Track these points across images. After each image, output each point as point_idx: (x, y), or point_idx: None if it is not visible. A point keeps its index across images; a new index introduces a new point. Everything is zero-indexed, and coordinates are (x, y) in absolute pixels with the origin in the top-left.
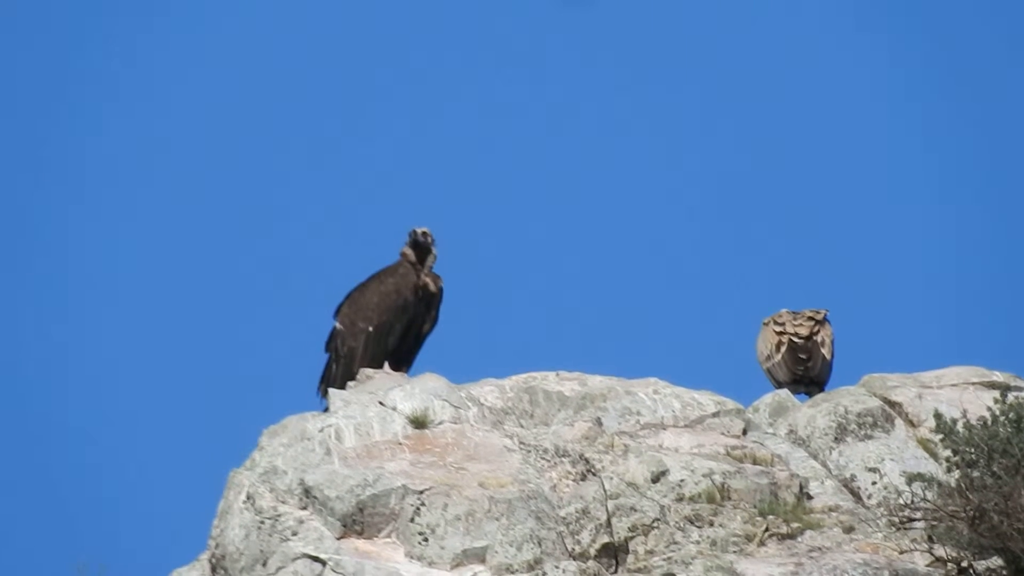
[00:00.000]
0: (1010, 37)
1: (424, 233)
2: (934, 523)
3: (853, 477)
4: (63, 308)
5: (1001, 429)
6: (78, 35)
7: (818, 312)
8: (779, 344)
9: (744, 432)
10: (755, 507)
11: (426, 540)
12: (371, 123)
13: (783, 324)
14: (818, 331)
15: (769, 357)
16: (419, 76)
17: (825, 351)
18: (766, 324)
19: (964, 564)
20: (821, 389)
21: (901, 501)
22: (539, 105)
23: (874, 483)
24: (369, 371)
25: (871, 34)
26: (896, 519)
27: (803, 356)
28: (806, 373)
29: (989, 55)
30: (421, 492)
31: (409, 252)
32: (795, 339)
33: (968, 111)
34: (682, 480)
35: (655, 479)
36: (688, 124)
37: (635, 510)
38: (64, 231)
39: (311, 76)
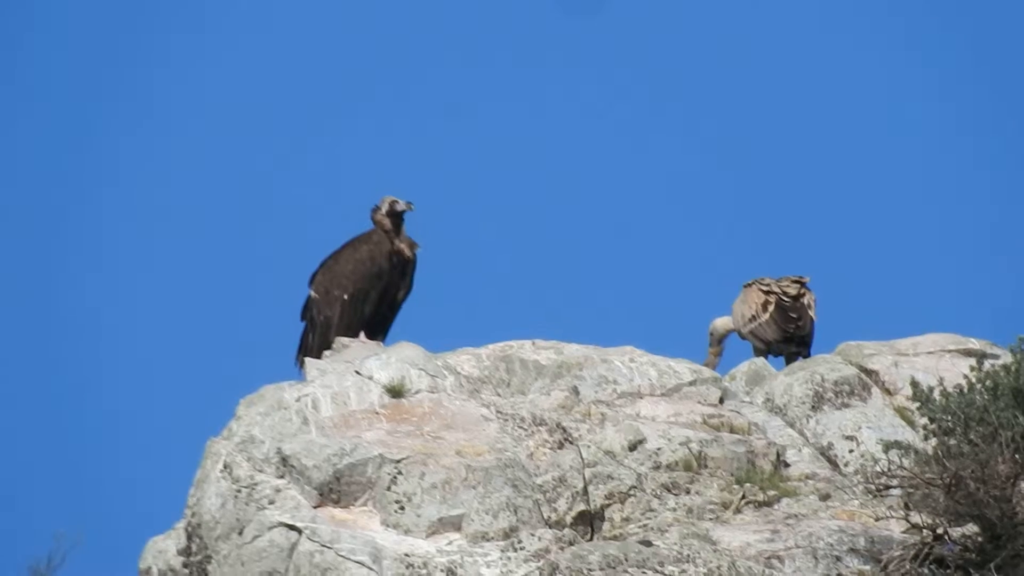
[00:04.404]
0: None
1: (408, 204)
2: (910, 490)
3: (830, 445)
4: (49, 279)
5: (978, 397)
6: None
7: (802, 277)
8: (766, 304)
9: (721, 400)
10: (732, 475)
11: (402, 508)
12: (356, 110)
13: (769, 284)
14: (804, 293)
15: (754, 318)
16: (419, 77)
17: (812, 313)
18: (748, 286)
19: (940, 531)
20: (808, 350)
21: (878, 469)
22: (538, 105)
23: (851, 451)
24: (345, 340)
25: (856, 21)
26: (873, 486)
27: (793, 315)
28: (796, 332)
29: (972, 32)
30: (398, 461)
31: (384, 220)
32: (784, 298)
33: (941, 78)
34: (659, 448)
35: (632, 447)
36: (671, 101)
37: (612, 478)
38: (42, 204)
39: (311, 72)
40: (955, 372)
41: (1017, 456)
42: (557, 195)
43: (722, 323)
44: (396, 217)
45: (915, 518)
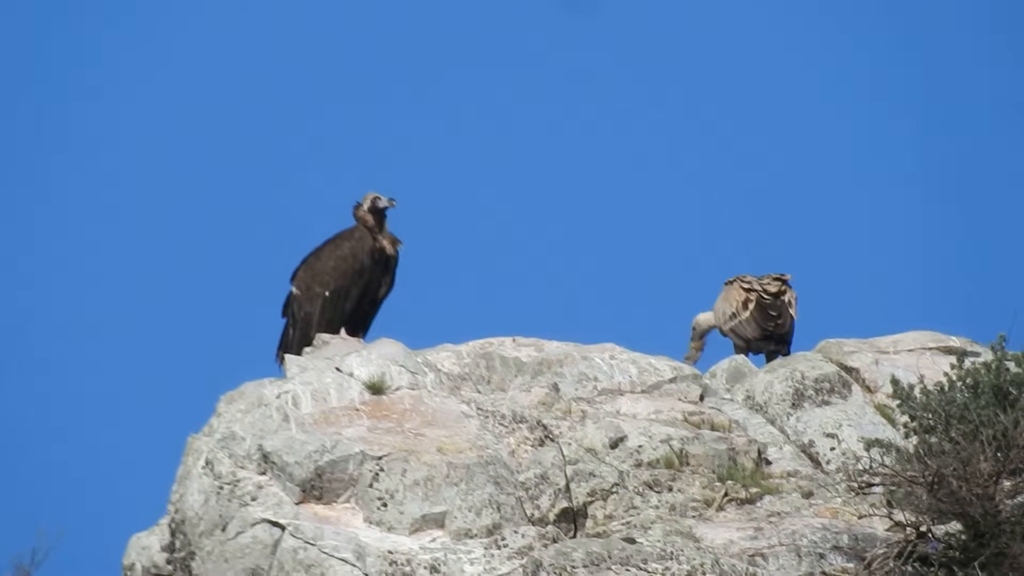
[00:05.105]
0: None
1: (391, 200)
2: (893, 488)
3: (811, 443)
4: (25, 275)
5: (958, 395)
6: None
7: (783, 275)
8: (747, 301)
9: (701, 398)
10: (713, 472)
11: (385, 506)
12: (345, 109)
13: (750, 282)
14: (785, 291)
15: (734, 315)
16: (415, 72)
17: (792, 311)
18: (730, 283)
19: (923, 529)
20: (788, 348)
21: (859, 466)
22: (525, 104)
23: (832, 449)
24: (325, 336)
25: (845, 22)
26: (855, 484)
27: (773, 313)
28: (776, 330)
29: (950, 29)
30: (379, 458)
31: (367, 216)
32: (764, 296)
33: (928, 81)
34: (640, 446)
35: (613, 445)
36: (657, 101)
37: (594, 475)
38: (16, 198)
39: (306, 69)
40: (936, 370)
41: (999, 454)
42: (540, 193)
43: (705, 319)
44: (378, 214)
45: (898, 516)
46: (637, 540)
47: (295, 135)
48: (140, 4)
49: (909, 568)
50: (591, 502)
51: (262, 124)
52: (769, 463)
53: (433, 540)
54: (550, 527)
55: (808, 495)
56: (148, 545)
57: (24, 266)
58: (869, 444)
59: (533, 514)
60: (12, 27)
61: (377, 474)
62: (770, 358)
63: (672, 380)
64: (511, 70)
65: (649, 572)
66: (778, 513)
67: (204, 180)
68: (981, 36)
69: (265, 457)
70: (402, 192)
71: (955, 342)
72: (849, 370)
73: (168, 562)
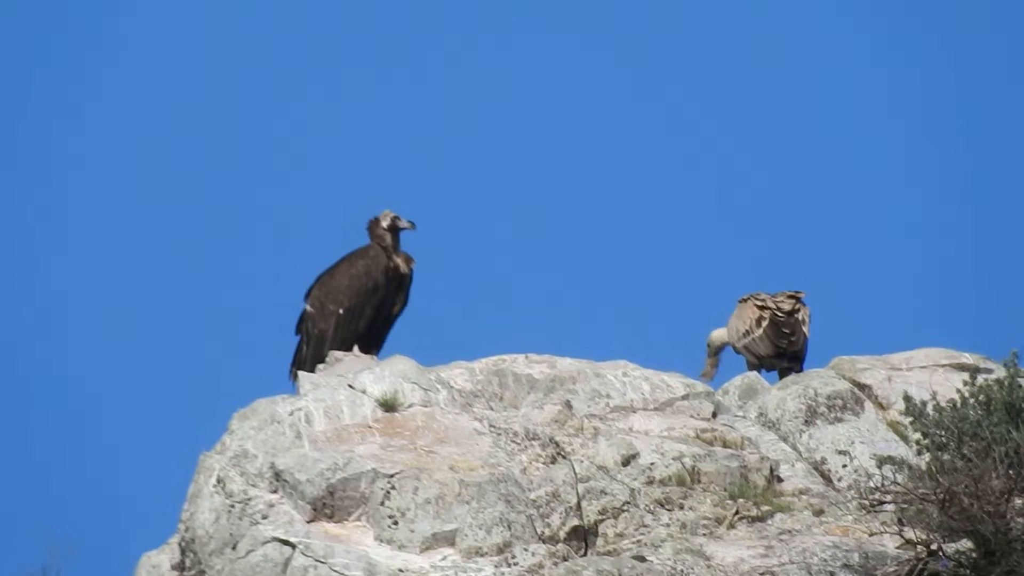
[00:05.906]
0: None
1: (411, 223)
2: (904, 506)
3: (823, 460)
4: (32, 290)
5: (971, 412)
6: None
7: (797, 293)
8: (760, 319)
9: (714, 415)
10: (725, 490)
11: (396, 524)
12: (349, 109)
13: (764, 300)
14: (799, 309)
15: (748, 332)
16: (415, 72)
17: (806, 329)
18: (743, 301)
19: (934, 547)
20: (801, 366)
21: (871, 484)
22: (529, 112)
23: (844, 466)
24: (339, 353)
25: (850, 25)
26: (866, 502)
27: (786, 331)
28: (789, 347)
29: (967, 45)
30: (391, 476)
31: (385, 235)
32: (778, 313)
33: (939, 92)
34: (652, 463)
35: (625, 462)
36: (667, 111)
37: (605, 493)
38: (32, 210)
39: (294, 58)
40: (948, 387)
41: (1011, 471)
42: (551, 207)
43: (718, 335)
44: (396, 233)
45: (909, 534)
46: (648, 558)
47: (297, 136)
48: (142, 3)
49: None
50: (602, 520)
51: (263, 125)
52: (781, 480)
53: (444, 558)
54: (560, 545)
55: (819, 513)
56: (158, 563)
57: (26, 276)
58: (881, 461)
59: (544, 532)
60: (11, 25)
61: (388, 492)
62: (783, 375)
63: (685, 397)
64: (511, 70)
65: None
66: (789, 531)
67: (212, 188)
68: (995, 38)
69: (277, 475)
70: (407, 199)
71: (968, 359)
72: (862, 387)
73: None
